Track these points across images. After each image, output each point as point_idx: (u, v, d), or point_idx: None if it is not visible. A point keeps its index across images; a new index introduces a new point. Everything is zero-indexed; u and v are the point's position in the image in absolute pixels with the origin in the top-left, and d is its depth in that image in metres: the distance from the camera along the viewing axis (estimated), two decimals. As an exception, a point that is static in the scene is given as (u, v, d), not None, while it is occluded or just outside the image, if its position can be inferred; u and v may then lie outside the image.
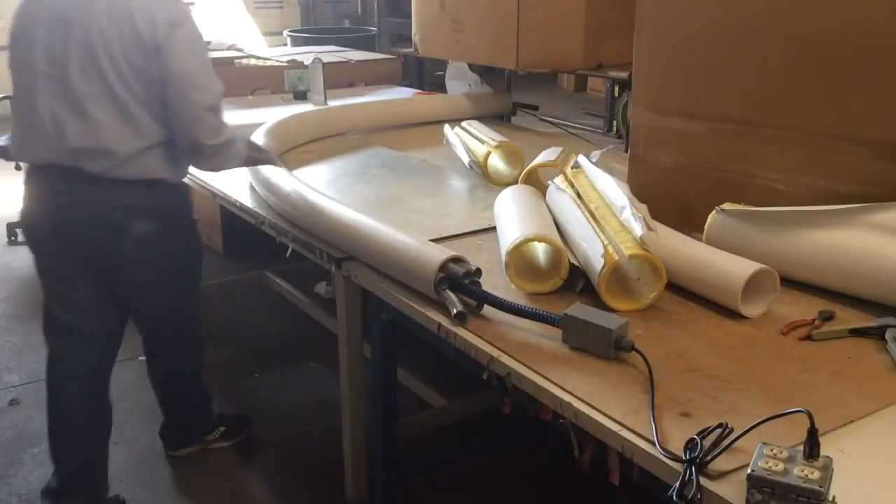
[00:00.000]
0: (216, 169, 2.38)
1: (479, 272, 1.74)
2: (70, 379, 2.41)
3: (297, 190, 2.34)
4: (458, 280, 1.71)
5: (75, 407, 2.42)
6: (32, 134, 2.19)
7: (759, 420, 1.18)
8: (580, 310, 1.56)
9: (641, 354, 1.45)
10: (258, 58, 4.61)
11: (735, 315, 1.65)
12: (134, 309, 2.47)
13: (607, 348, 1.49)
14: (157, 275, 2.33)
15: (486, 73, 3.82)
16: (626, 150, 2.37)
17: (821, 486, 1.03)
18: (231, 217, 3.17)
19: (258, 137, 2.83)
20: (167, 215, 2.30)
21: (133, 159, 2.16)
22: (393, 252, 1.89)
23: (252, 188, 2.60)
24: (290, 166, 2.81)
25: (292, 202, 2.32)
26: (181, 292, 2.47)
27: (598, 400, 1.36)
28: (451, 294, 1.70)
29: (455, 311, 1.66)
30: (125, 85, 2.11)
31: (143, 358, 3.04)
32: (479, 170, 2.72)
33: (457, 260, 1.75)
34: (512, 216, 1.97)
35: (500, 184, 2.56)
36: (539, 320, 1.60)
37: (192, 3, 2.24)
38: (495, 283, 1.83)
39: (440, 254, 1.76)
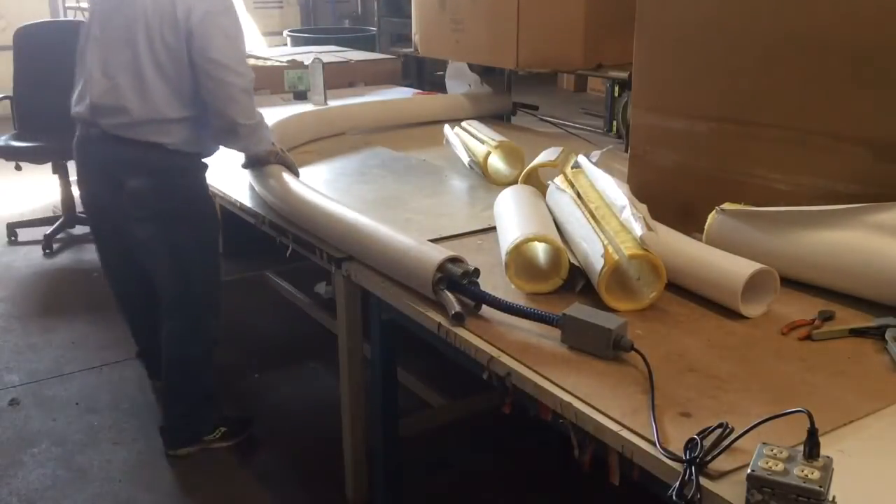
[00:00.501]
0: (247, 149, 2.52)
1: (477, 272, 1.74)
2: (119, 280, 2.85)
3: (296, 190, 2.34)
4: (457, 280, 1.71)
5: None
6: (77, 90, 2.52)
7: (759, 420, 1.18)
8: (579, 310, 1.56)
9: (641, 354, 1.45)
10: (258, 58, 4.61)
11: (735, 315, 1.65)
12: (145, 269, 2.63)
13: (606, 348, 1.49)
14: (154, 233, 2.48)
15: (486, 73, 3.82)
16: (626, 150, 2.37)
17: (821, 486, 1.03)
18: (231, 217, 3.16)
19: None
20: (163, 176, 2.44)
21: (143, 125, 2.38)
22: (391, 252, 1.89)
23: (252, 188, 2.60)
24: (291, 166, 2.82)
25: (291, 203, 2.32)
26: (184, 261, 2.55)
27: (598, 400, 1.36)
28: (448, 294, 1.70)
29: (453, 312, 1.66)
30: (155, 61, 2.33)
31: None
32: (479, 170, 2.72)
33: (455, 260, 1.75)
34: (512, 216, 1.97)
35: (500, 184, 2.56)
36: (538, 320, 1.60)
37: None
38: (495, 283, 1.83)
39: (438, 254, 1.76)
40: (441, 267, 1.73)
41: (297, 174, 2.58)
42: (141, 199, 2.43)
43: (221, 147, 2.57)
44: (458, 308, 1.66)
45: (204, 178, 2.56)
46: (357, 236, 2.02)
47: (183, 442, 2.76)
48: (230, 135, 2.43)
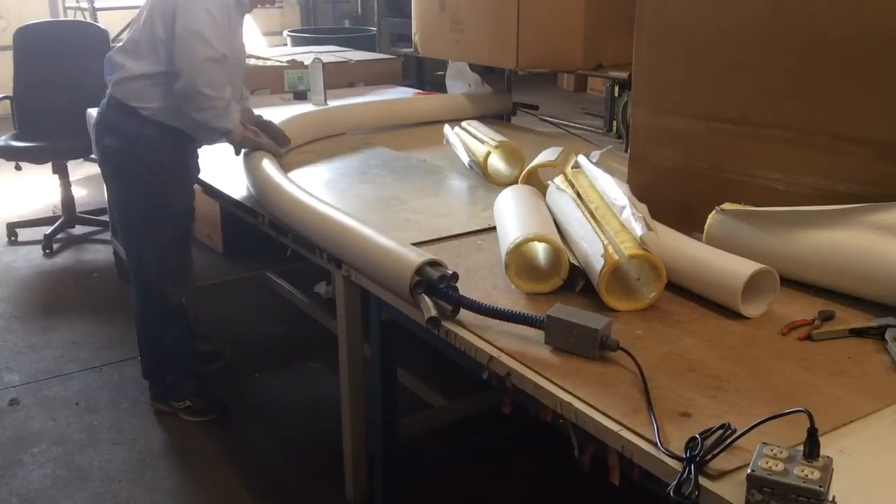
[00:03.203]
0: (207, 121, 2.58)
1: (455, 276, 1.72)
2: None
3: (283, 193, 2.33)
4: (434, 284, 1.69)
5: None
6: None
7: (759, 420, 1.18)
8: (562, 310, 1.55)
9: (628, 353, 1.46)
10: (258, 58, 4.61)
11: (735, 315, 1.65)
12: None
13: (593, 348, 1.48)
14: (114, 190, 2.79)
15: (486, 73, 3.82)
16: (626, 150, 2.37)
17: (821, 486, 1.03)
18: (231, 217, 3.16)
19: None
20: (130, 140, 2.62)
21: (127, 81, 2.61)
22: (373, 255, 1.88)
23: (248, 189, 2.60)
24: (291, 167, 2.82)
25: (278, 203, 2.32)
26: (136, 226, 2.74)
27: (598, 400, 1.36)
28: (426, 298, 1.69)
29: (428, 316, 1.65)
30: (152, 31, 2.56)
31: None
32: (479, 170, 2.72)
33: (434, 264, 1.73)
34: (512, 216, 1.96)
35: (500, 184, 2.56)
36: (520, 322, 1.58)
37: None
38: (495, 282, 1.83)
39: (417, 257, 1.75)
40: (419, 270, 1.71)
41: (278, 154, 2.75)
42: (106, 157, 2.71)
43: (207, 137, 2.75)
44: (433, 312, 1.65)
45: (177, 156, 2.68)
46: (340, 238, 2.02)
47: (155, 397, 2.98)
48: (189, 100, 2.53)
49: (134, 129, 2.61)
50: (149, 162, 2.62)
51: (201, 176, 2.83)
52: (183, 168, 2.73)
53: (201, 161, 2.85)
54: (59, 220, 4.79)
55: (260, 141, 2.71)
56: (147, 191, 2.66)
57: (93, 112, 3.04)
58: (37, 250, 4.64)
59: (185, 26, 2.49)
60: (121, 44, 2.69)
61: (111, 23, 5.94)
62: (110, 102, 2.67)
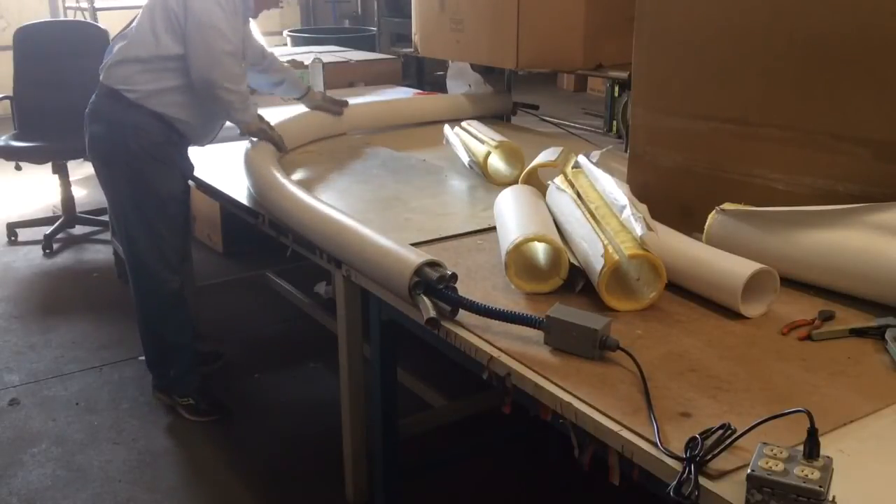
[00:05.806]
0: (230, 115, 2.68)
1: (454, 277, 1.71)
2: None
3: (284, 193, 2.33)
4: (433, 285, 1.69)
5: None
6: None
7: (759, 420, 1.18)
8: (561, 311, 1.55)
9: (628, 353, 1.45)
10: (258, 58, 4.60)
11: (735, 315, 1.65)
12: None
13: (592, 348, 1.48)
14: (104, 178, 2.76)
15: (486, 73, 3.82)
16: (626, 150, 2.37)
17: (821, 486, 1.03)
18: (231, 217, 3.14)
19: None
20: (116, 126, 2.63)
21: (116, 65, 2.63)
22: (372, 255, 1.88)
23: (248, 189, 2.60)
24: (291, 167, 2.82)
25: (279, 206, 2.31)
26: (124, 215, 2.74)
27: (598, 400, 1.36)
28: (425, 299, 1.69)
29: (427, 317, 1.65)
30: (151, 18, 2.58)
31: (142, 358, 3.07)
32: (479, 170, 2.72)
33: (433, 264, 1.73)
34: (512, 216, 1.96)
35: (500, 184, 2.56)
36: (520, 323, 1.58)
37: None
38: (495, 282, 1.83)
39: (416, 258, 1.74)
40: (418, 271, 1.71)
41: (284, 150, 2.81)
42: (93, 145, 2.70)
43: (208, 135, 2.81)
44: (432, 313, 1.65)
45: (163, 143, 2.66)
46: (339, 238, 2.02)
47: (157, 387, 3.00)
48: (213, 98, 2.59)
49: (119, 114, 2.62)
50: (133, 148, 2.62)
51: (201, 176, 2.82)
52: (169, 155, 2.69)
53: (200, 162, 2.85)
54: (59, 220, 4.80)
55: (272, 135, 2.76)
56: (133, 177, 2.66)
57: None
58: (37, 250, 4.65)
59: (200, 21, 2.51)
60: (118, 37, 2.74)
61: (111, 23, 5.93)
62: (100, 91, 2.69)
